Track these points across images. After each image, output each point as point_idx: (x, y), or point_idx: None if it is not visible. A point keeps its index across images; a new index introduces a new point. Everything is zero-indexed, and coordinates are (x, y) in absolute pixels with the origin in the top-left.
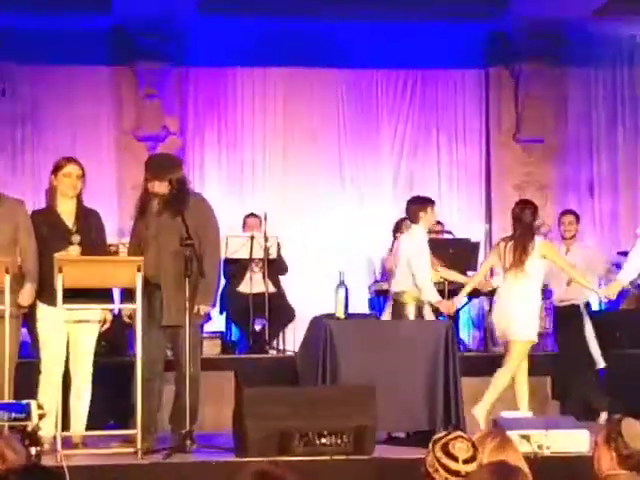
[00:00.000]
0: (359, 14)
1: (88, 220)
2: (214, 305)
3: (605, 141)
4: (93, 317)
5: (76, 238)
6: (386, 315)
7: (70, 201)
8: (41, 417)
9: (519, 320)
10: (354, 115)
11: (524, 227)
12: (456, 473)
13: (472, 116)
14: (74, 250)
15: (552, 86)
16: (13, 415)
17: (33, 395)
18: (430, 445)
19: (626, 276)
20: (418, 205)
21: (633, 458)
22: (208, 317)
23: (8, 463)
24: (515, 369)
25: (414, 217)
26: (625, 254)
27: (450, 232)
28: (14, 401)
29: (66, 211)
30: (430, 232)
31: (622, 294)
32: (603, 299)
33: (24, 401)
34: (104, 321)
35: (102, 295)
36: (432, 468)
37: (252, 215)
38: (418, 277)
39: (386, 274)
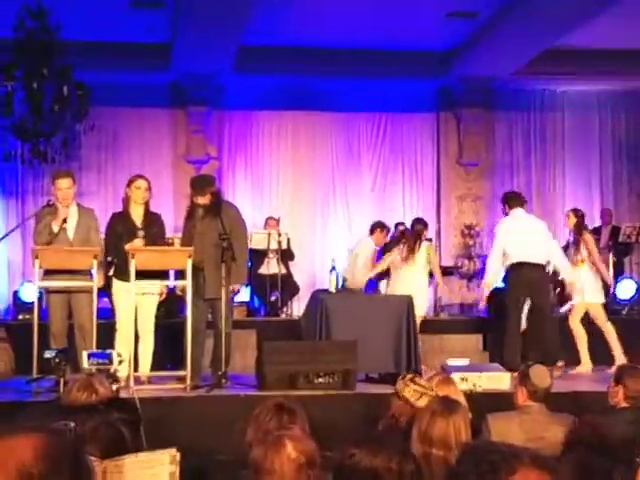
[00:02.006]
0: (347, 74)
1: (152, 220)
2: (245, 284)
3: (522, 165)
4: (154, 290)
5: (140, 233)
6: None
7: (139, 207)
8: (120, 362)
9: None
10: (342, 146)
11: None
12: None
13: (427, 147)
14: (139, 242)
15: (484, 125)
16: (100, 361)
17: (111, 346)
18: (401, 383)
19: (488, 280)
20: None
21: (538, 393)
22: (238, 291)
23: (100, 395)
24: None
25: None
26: None
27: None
28: (101, 351)
29: (136, 214)
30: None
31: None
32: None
33: (107, 350)
34: (161, 293)
35: (161, 274)
36: (414, 397)
37: (271, 218)
38: None
39: None
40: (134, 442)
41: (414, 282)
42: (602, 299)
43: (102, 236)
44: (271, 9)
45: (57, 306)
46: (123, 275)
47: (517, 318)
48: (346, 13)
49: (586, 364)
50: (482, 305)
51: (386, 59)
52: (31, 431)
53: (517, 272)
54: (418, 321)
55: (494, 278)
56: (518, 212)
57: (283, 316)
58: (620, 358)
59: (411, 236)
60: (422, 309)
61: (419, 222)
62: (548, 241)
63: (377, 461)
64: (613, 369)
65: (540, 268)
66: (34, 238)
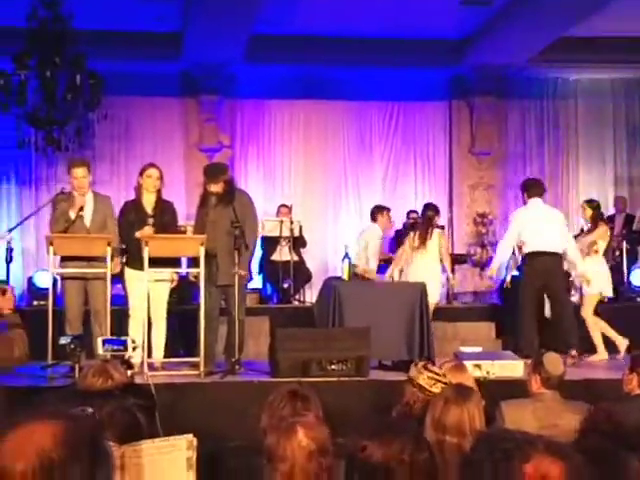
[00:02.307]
0: (359, 62)
1: (163, 208)
2: (258, 272)
3: (535, 153)
4: (166, 277)
5: (150, 220)
6: None
7: (151, 195)
8: (134, 349)
9: None
10: (354, 135)
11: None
12: (446, 383)
13: (439, 136)
14: (149, 230)
15: (497, 114)
16: (115, 347)
17: (124, 332)
18: (414, 370)
19: (494, 265)
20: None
21: (551, 380)
22: (250, 278)
23: (115, 381)
24: None
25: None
26: None
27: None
28: (116, 337)
29: (148, 202)
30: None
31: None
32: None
33: (122, 337)
34: (172, 280)
35: (173, 262)
36: (429, 384)
37: (283, 205)
38: None
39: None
40: (149, 428)
41: (426, 269)
42: (611, 292)
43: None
44: None
45: (73, 292)
46: (135, 263)
47: (533, 305)
48: (359, 1)
49: (602, 353)
50: (490, 273)
51: (398, 47)
52: (50, 417)
53: (533, 260)
54: (431, 308)
55: (499, 264)
56: (536, 201)
57: (295, 303)
58: (622, 343)
59: (422, 223)
60: (435, 296)
61: (430, 208)
62: (564, 231)
63: (389, 453)
64: (621, 356)
65: (557, 257)
66: (50, 226)
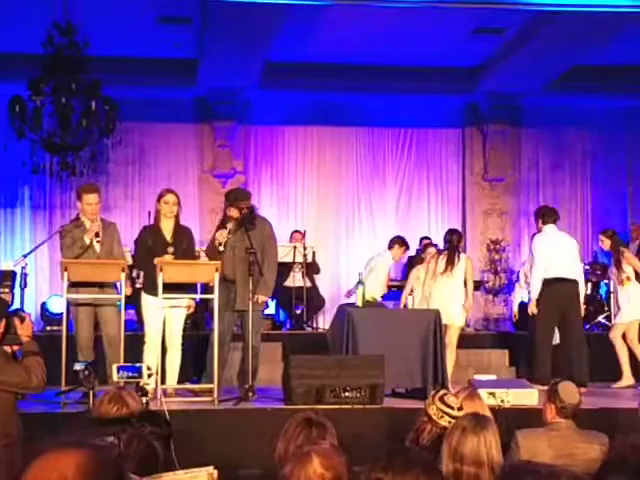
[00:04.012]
0: (373, 89)
1: (182, 234)
2: (271, 298)
3: (549, 180)
4: (183, 303)
5: (170, 249)
6: None
7: (170, 220)
8: (149, 376)
9: None
10: (368, 161)
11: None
12: (455, 417)
13: (452, 162)
14: (169, 258)
15: (510, 141)
16: (130, 374)
17: (138, 358)
18: (429, 399)
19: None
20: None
21: (567, 409)
22: (266, 305)
23: (130, 408)
24: None
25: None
26: None
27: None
28: (130, 364)
29: (166, 228)
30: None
31: None
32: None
33: (137, 364)
34: (189, 307)
35: (189, 287)
36: (437, 416)
37: (297, 231)
38: None
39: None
40: (165, 456)
41: (450, 293)
42: None
43: (124, 248)
44: (297, 25)
45: (84, 318)
46: (152, 289)
47: (549, 333)
48: (372, 29)
49: (627, 378)
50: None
51: (413, 74)
52: (74, 446)
53: (551, 287)
54: (457, 332)
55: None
56: (551, 228)
57: (308, 329)
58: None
59: (449, 248)
60: (460, 320)
61: (454, 233)
62: (578, 258)
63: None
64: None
65: (574, 284)
66: (62, 252)
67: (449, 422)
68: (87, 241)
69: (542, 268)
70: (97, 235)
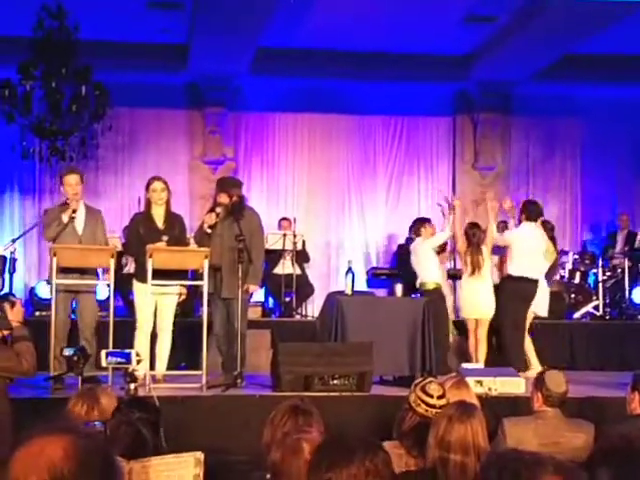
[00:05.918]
0: (364, 76)
1: (173, 221)
2: (260, 286)
3: (539, 170)
4: (174, 290)
5: (164, 237)
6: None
7: (160, 207)
8: (139, 362)
9: None
10: (358, 149)
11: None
12: (432, 406)
13: (443, 151)
14: (162, 245)
15: (500, 130)
16: (119, 360)
17: (127, 344)
18: (412, 387)
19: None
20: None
21: (553, 398)
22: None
23: (102, 409)
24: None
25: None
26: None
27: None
28: (119, 350)
29: (158, 215)
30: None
31: None
32: None
33: (126, 350)
34: (181, 294)
35: (181, 274)
36: (415, 403)
37: (285, 219)
38: None
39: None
40: (154, 441)
41: (483, 287)
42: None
43: (113, 235)
44: (288, 11)
45: (59, 304)
46: (142, 276)
47: (513, 323)
48: (364, 16)
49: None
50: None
51: (404, 62)
52: (61, 431)
53: (518, 285)
54: (486, 326)
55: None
56: (531, 227)
57: (297, 317)
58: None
59: (475, 243)
60: (489, 312)
61: (477, 227)
62: (544, 258)
63: (353, 471)
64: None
65: (536, 284)
66: (44, 231)
67: (426, 410)
68: (65, 219)
69: (494, 240)
70: (74, 212)
